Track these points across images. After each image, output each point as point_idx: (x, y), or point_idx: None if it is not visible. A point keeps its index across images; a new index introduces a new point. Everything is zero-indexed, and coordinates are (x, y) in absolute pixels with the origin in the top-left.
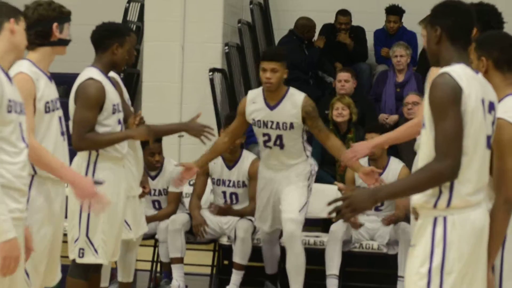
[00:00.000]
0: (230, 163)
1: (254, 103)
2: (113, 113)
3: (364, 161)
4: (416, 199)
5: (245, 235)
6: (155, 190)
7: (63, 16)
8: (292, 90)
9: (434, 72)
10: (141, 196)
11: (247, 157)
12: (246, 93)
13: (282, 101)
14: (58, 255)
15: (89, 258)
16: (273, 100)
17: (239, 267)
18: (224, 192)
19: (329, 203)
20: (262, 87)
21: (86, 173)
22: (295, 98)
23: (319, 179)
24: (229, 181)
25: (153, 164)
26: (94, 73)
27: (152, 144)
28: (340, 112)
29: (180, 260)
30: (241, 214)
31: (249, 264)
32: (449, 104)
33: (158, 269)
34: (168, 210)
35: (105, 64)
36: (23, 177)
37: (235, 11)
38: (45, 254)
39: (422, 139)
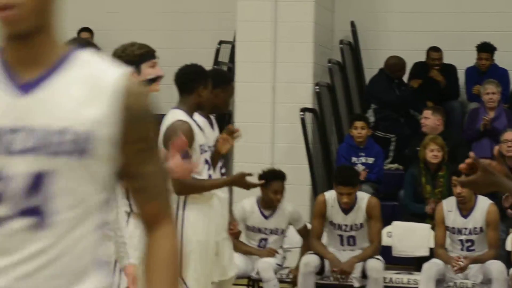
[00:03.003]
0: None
1: None
2: (201, 153)
3: (452, 204)
4: None
5: (378, 275)
6: (266, 228)
7: (137, 59)
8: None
9: None
10: (234, 235)
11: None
12: (338, 133)
13: (57, 69)
14: None
15: None
16: (24, 63)
17: None
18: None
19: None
20: None
21: (177, 213)
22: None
23: (410, 217)
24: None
25: (273, 202)
26: (180, 115)
27: (275, 183)
28: (436, 154)
29: None
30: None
31: None
32: None
33: None
34: (304, 244)
35: (191, 106)
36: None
37: (325, 51)
38: None
39: None
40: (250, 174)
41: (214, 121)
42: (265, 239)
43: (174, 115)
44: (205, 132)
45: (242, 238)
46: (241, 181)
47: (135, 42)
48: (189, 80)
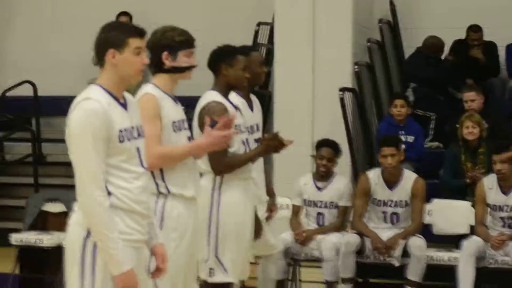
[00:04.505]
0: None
1: None
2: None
3: (493, 181)
4: None
5: (421, 253)
6: (320, 201)
7: (176, 45)
8: None
9: None
10: (267, 218)
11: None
12: (377, 112)
13: None
14: (194, 275)
15: (219, 277)
16: None
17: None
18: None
19: None
20: None
21: (212, 195)
22: None
23: (451, 194)
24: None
25: (319, 168)
26: (214, 96)
27: (323, 149)
28: (471, 130)
29: (351, 281)
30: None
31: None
32: None
33: None
34: (336, 224)
35: (222, 86)
36: (143, 201)
37: (364, 30)
38: (181, 274)
39: None
40: (277, 134)
41: (256, 103)
42: (322, 214)
43: (208, 97)
44: (242, 113)
45: (302, 214)
46: (272, 145)
47: (176, 27)
48: (213, 60)
